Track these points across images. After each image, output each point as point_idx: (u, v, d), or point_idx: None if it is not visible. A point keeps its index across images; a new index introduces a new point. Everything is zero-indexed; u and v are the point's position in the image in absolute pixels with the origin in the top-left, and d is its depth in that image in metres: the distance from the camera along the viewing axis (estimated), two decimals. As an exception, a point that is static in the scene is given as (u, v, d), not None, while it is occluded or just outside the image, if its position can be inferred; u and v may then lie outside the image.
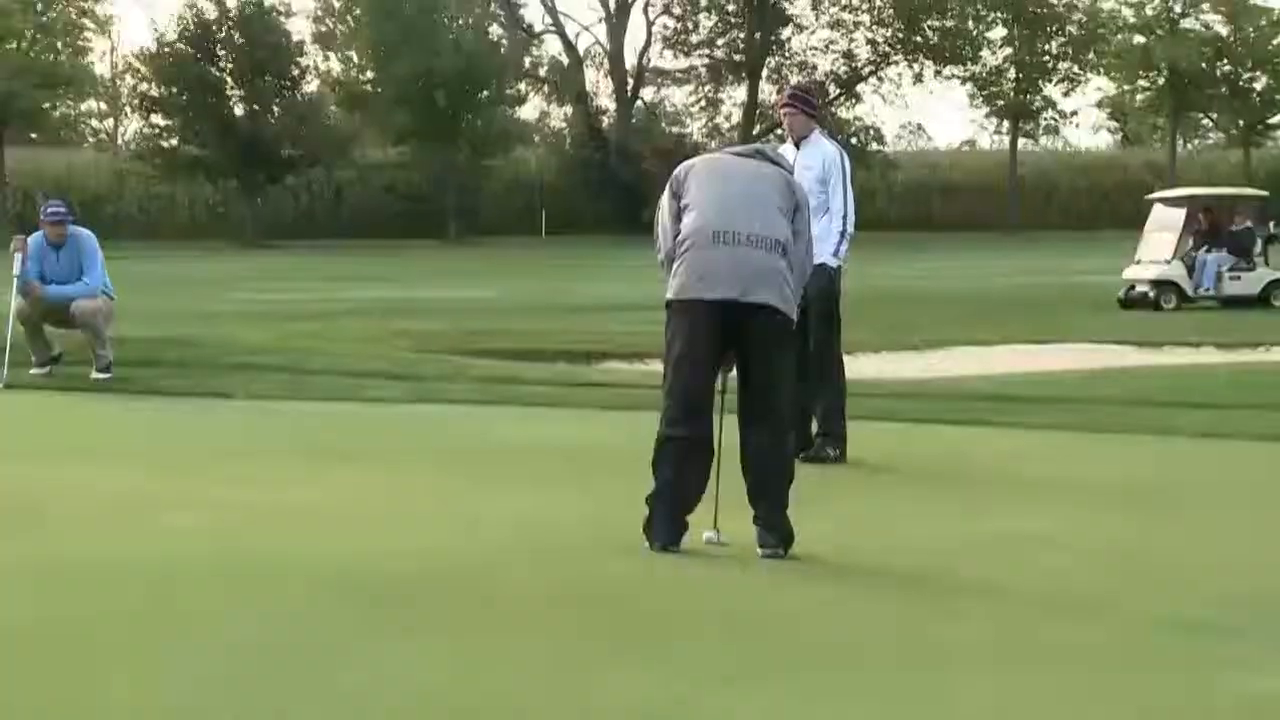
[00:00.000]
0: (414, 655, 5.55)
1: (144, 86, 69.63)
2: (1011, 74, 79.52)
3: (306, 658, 5.52)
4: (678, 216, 7.58)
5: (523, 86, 77.25)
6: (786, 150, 10.21)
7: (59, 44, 69.99)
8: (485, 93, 70.12)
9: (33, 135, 73.35)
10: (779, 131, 11.72)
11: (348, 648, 5.65)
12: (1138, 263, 30.45)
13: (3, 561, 6.99)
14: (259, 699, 5.05)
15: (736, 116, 78.70)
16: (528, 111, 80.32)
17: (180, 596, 6.40)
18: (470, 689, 5.18)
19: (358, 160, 70.74)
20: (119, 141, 76.37)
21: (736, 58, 78.53)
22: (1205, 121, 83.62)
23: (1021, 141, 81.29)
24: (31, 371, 14.80)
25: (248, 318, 25.44)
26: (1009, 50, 79.32)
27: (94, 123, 79.72)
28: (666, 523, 7.37)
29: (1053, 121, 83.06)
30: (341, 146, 69.22)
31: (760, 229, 7.42)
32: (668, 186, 7.69)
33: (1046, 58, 79.34)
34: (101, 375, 14.78)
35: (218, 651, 5.58)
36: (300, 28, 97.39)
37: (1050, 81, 79.71)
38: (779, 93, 60.13)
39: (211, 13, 68.33)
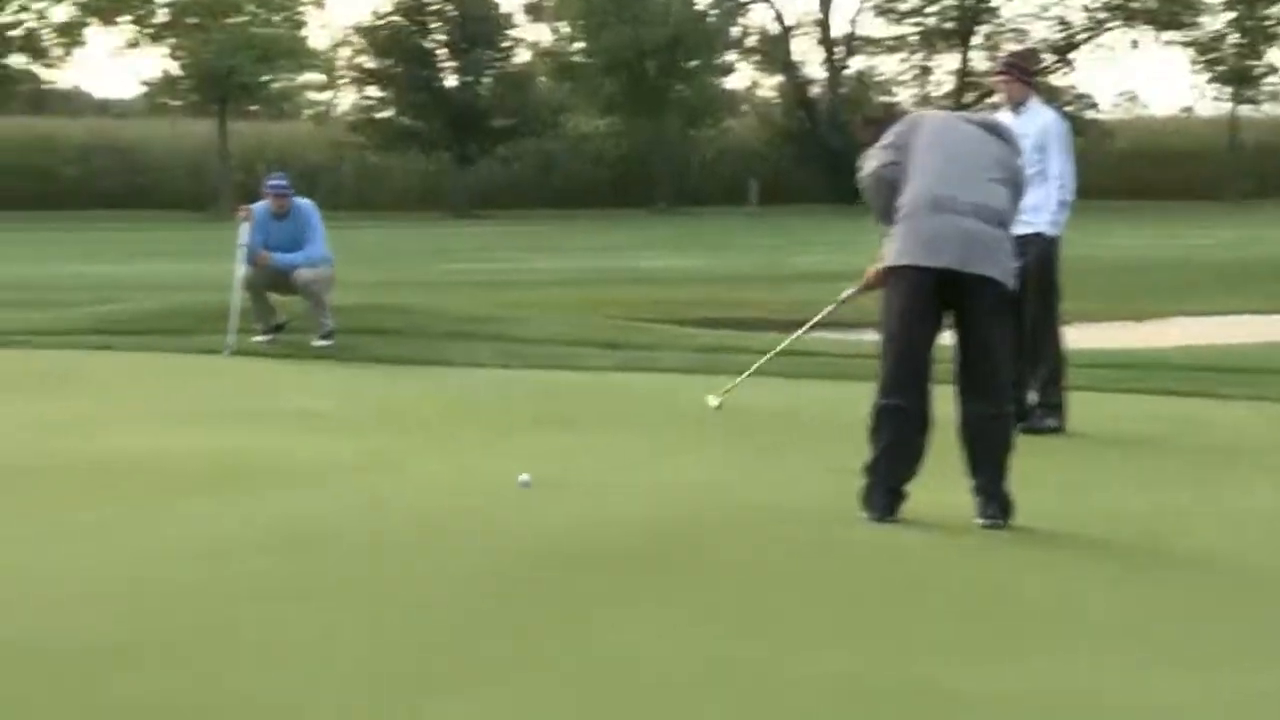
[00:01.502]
0: (628, 623, 5.59)
1: (359, 59, 70.84)
2: (1233, 39, 77.53)
3: (517, 624, 5.60)
4: (890, 167, 7.48)
5: (731, 56, 77.15)
6: (1003, 118, 10.09)
7: (276, 18, 71.32)
8: (694, 62, 70.13)
9: (252, 108, 74.92)
10: (992, 100, 11.58)
11: (573, 615, 5.73)
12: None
13: (231, 524, 7.18)
14: (484, 665, 5.14)
15: (948, 85, 77.85)
16: (736, 81, 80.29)
17: (400, 562, 6.50)
18: (688, 658, 5.20)
19: (567, 131, 71.21)
20: (335, 114, 77.65)
21: (947, 25, 77.58)
22: None
23: (1243, 108, 79.28)
24: (255, 339, 15.15)
25: (463, 286, 25.81)
26: (1230, 15, 77.34)
27: (311, 95, 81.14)
28: (883, 493, 7.36)
29: (1276, 87, 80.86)
30: (551, 117, 69.74)
31: (982, 198, 7.35)
32: (888, 134, 7.58)
33: (1269, 22, 77.22)
34: (323, 343, 15.09)
35: (438, 615, 5.69)
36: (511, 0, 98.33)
37: (1273, 46, 77.58)
38: (992, 60, 59.37)
39: (425, -14, 69.21)
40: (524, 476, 8.09)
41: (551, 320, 17.37)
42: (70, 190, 66.96)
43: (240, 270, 15.09)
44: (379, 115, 70.68)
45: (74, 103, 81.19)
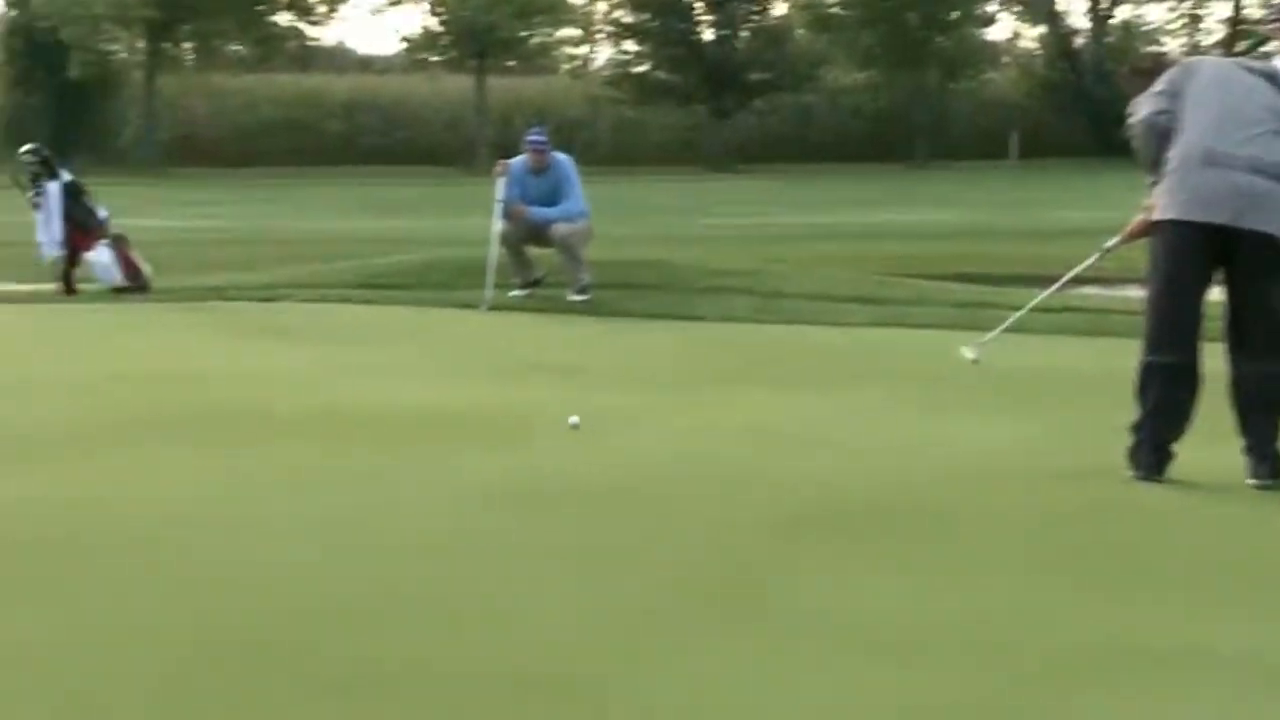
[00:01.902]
0: (866, 584, 5.53)
1: (616, 13, 71.18)
2: None
3: (758, 582, 5.58)
4: (1162, 115, 7.25)
5: (993, 6, 75.87)
6: None
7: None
8: (956, 13, 69.14)
9: (510, 64, 75.77)
10: (1265, 49, 11.17)
11: (817, 575, 5.69)
12: None
13: (488, 476, 7.27)
14: (732, 623, 5.12)
15: (1219, 33, 75.62)
16: (998, 32, 79.02)
17: (646, 519, 6.51)
18: (926, 619, 5.12)
19: (825, 84, 70.78)
20: (592, 69, 78.17)
21: (1220, -30, 75.43)
22: None
23: None
24: (512, 294, 15.33)
25: (718, 241, 25.84)
26: None
27: (568, 50, 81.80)
28: (1150, 451, 7.19)
29: None
30: (808, 70, 69.36)
31: (1259, 151, 7.08)
32: (1161, 80, 7.36)
33: None
34: (579, 297, 15.22)
35: (662, 574, 5.69)
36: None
37: None
38: (1267, 6, 57.36)
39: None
40: (574, 419, 8.27)
41: (807, 275, 17.29)
42: (334, 146, 68.49)
43: (497, 225, 15.26)
44: (635, 69, 71.00)
45: (338, 60, 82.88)
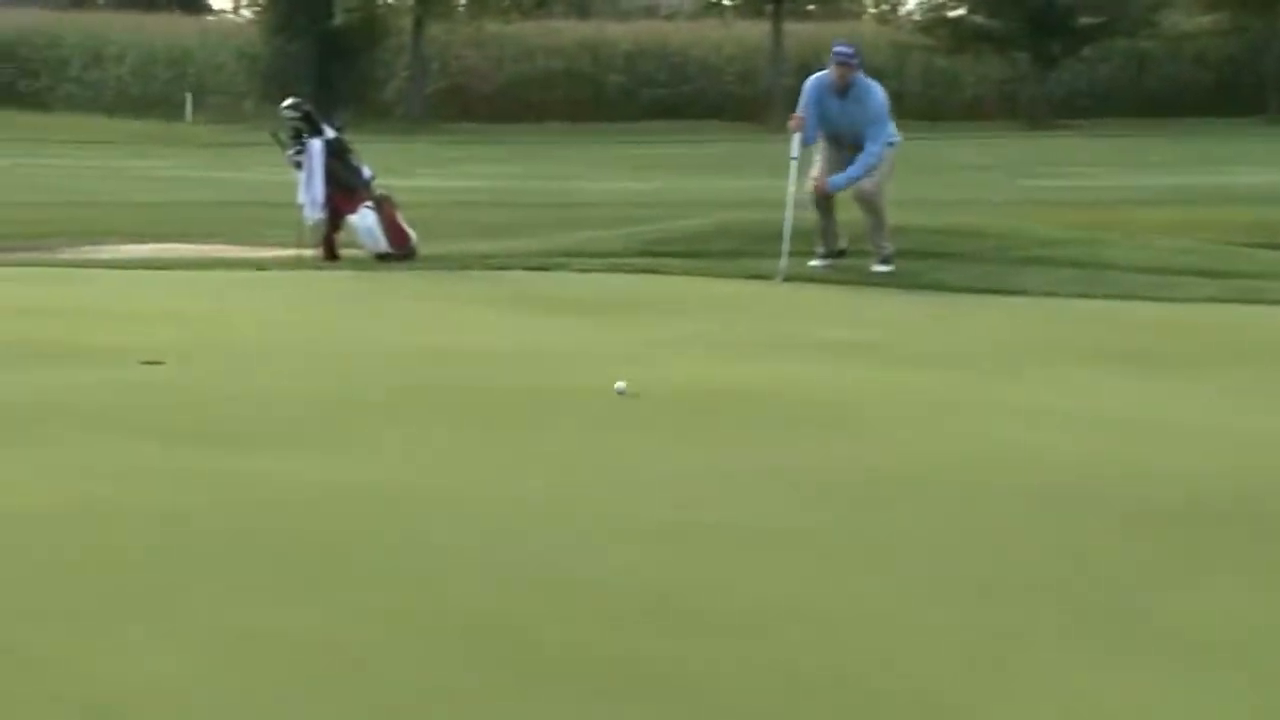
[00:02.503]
0: (1248, 599, 5.43)
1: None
2: None
3: (1115, 592, 5.50)
4: None
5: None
6: None
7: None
8: (1316, -53, 67.11)
9: (810, 8, 75.60)
10: None
11: (1173, 585, 5.60)
12: None
13: (791, 463, 7.30)
14: (1076, 642, 5.07)
15: None
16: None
17: (979, 513, 6.49)
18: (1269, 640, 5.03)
19: (1164, 29, 69.22)
20: (901, 13, 77.57)
21: None
22: None
23: None
24: (812, 263, 15.25)
25: (1038, 206, 25.45)
26: None
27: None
28: None
29: None
30: (1147, 14, 67.88)
31: None
32: None
33: None
34: (882, 268, 15.12)
35: (1010, 578, 5.64)
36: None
37: None
38: None
39: None
40: (620, 384, 8.54)
41: (1140, 245, 16.96)
42: (615, 99, 69.08)
43: (792, 188, 15.17)
44: (950, 14, 70.26)
45: (620, 5, 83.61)
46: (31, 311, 11.74)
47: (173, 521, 6.09)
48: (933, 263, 15.33)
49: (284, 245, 16.67)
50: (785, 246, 15.01)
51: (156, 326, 11.24)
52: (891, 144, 15.02)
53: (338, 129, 16.94)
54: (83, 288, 13.72)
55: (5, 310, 11.78)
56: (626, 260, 15.94)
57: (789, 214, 15.14)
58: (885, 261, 15.15)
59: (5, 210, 23.28)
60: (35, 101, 64.70)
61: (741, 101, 68.47)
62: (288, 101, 17.18)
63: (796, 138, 15.07)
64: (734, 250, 16.06)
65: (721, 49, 72.49)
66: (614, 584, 5.42)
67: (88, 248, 18.23)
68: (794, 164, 15.07)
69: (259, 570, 5.51)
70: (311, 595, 5.24)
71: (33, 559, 5.64)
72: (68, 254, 17.54)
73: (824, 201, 15.13)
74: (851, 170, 14.85)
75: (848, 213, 15.34)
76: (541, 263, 15.87)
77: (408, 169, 31.28)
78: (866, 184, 14.94)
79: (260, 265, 15.81)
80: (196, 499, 6.42)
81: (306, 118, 16.64)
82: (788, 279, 14.75)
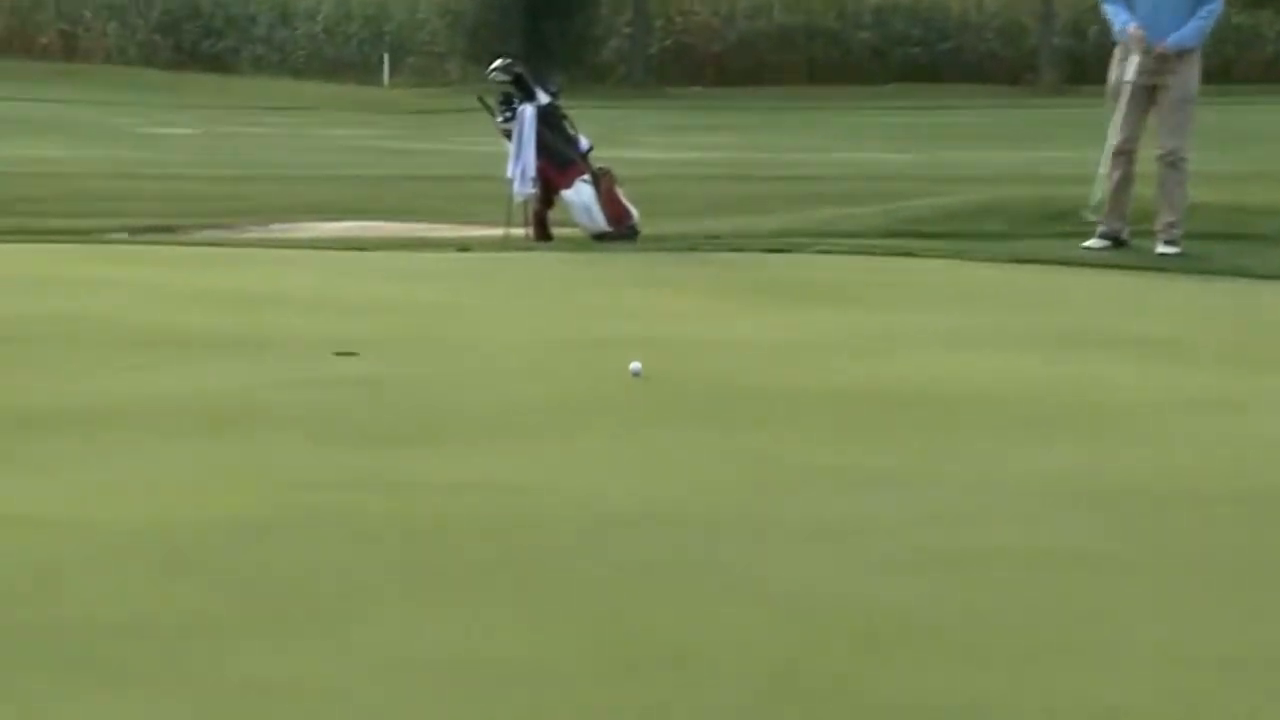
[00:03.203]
0: None
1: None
2: None
3: None
4: None
5: None
6: None
7: None
8: None
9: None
10: None
11: None
12: None
13: (1054, 471, 7.23)
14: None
15: None
16: None
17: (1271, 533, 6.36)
18: None
19: None
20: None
21: None
22: None
23: None
24: (1087, 244, 15.00)
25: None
26: None
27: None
28: None
29: None
30: None
31: None
32: None
33: None
34: (1169, 249, 14.86)
35: None
36: None
37: None
38: None
39: None
40: (635, 365, 8.79)
41: None
42: (862, 60, 68.80)
43: (1104, 168, 14.89)
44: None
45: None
46: (215, 298, 11.93)
47: (364, 536, 6.15)
48: (1230, 245, 15.06)
49: (490, 224, 16.78)
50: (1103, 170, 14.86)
51: (350, 315, 11.39)
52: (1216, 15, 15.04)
53: (552, 93, 16.95)
54: (270, 271, 13.92)
55: (189, 297, 11.97)
56: (876, 242, 15.84)
57: (1104, 169, 14.91)
58: (1172, 242, 14.89)
59: (187, 185, 23.78)
60: (219, 64, 65.78)
61: (1006, 63, 67.88)
62: (496, 63, 17.27)
63: (1132, 61, 14.75)
64: (1001, 232, 15.89)
65: (983, 4, 71.93)
66: (877, 612, 5.43)
67: (275, 227, 18.53)
68: (1126, 87, 14.78)
69: (455, 588, 5.56)
70: (525, 617, 5.28)
71: (215, 569, 5.72)
72: (254, 233, 17.84)
73: (1127, 155, 14.88)
74: (1191, 24, 14.71)
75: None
76: (779, 244, 15.82)
77: (629, 138, 31.43)
78: (1178, 141, 14.78)
79: (464, 246, 15.93)
80: (390, 507, 6.49)
81: (517, 81, 16.69)
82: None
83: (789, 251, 15.47)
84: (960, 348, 10.61)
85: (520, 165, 16.24)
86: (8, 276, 12.45)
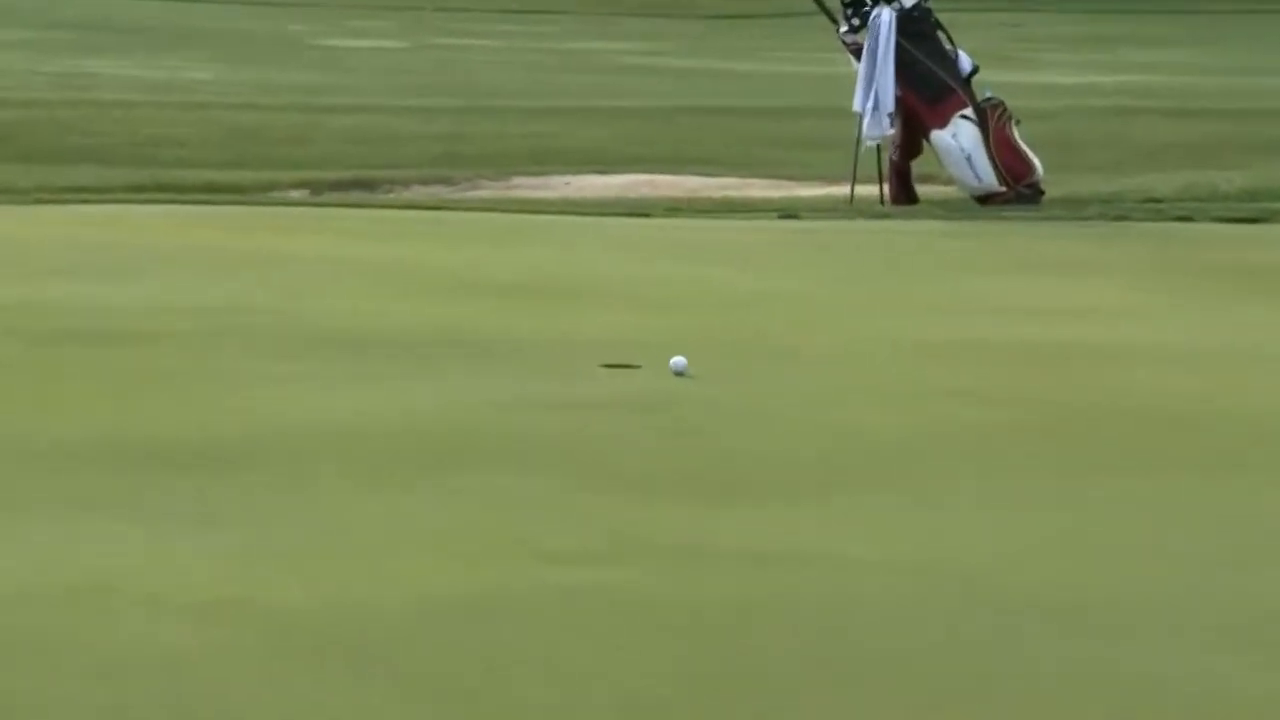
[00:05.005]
0: None
1: None
2: None
3: None
4: None
5: None
6: None
7: None
8: None
9: None
10: None
11: None
12: None
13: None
14: None
15: None
16: None
17: None
18: None
19: None
20: None
21: None
22: None
23: None
24: None
25: None
26: None
27: None
28: None
29: None
30: None
31: None
32: None
33: None
34: None
35: None
36: None
37: None
38: None
39: None
40: (677, 360, 9.30)
41: None
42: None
43: None
44: None
45: None
46: (432, 282, 12.03)
47: (640, 628, 6.10)
48: None
49: (827, 180, 16.82)
50: None
51: (629, 308, 11.48)
52: None
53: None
54: (512, 245, 14.02)
55: (396, 281, 12.10)
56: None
57: None
58: None
59: (390, 121, 23.95)
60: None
61: None
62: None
63: None
64: None
65: None
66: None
67: (517, 181, 18.65)
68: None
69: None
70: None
71: (410, 673, 5.68)
72: (486, 190, 17.98)
73: None
74: None
75: None
76: (1243, 211, 15.75)
77: (1029, 55, 31.41)
78: None
79: (788, 211, 15.98)
80: (677, 590, 6.47)
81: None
82: None
83: (1259, 221, 15.36)
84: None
85: (873, 95, 16.14)
86: (145, 252, 12.65)
